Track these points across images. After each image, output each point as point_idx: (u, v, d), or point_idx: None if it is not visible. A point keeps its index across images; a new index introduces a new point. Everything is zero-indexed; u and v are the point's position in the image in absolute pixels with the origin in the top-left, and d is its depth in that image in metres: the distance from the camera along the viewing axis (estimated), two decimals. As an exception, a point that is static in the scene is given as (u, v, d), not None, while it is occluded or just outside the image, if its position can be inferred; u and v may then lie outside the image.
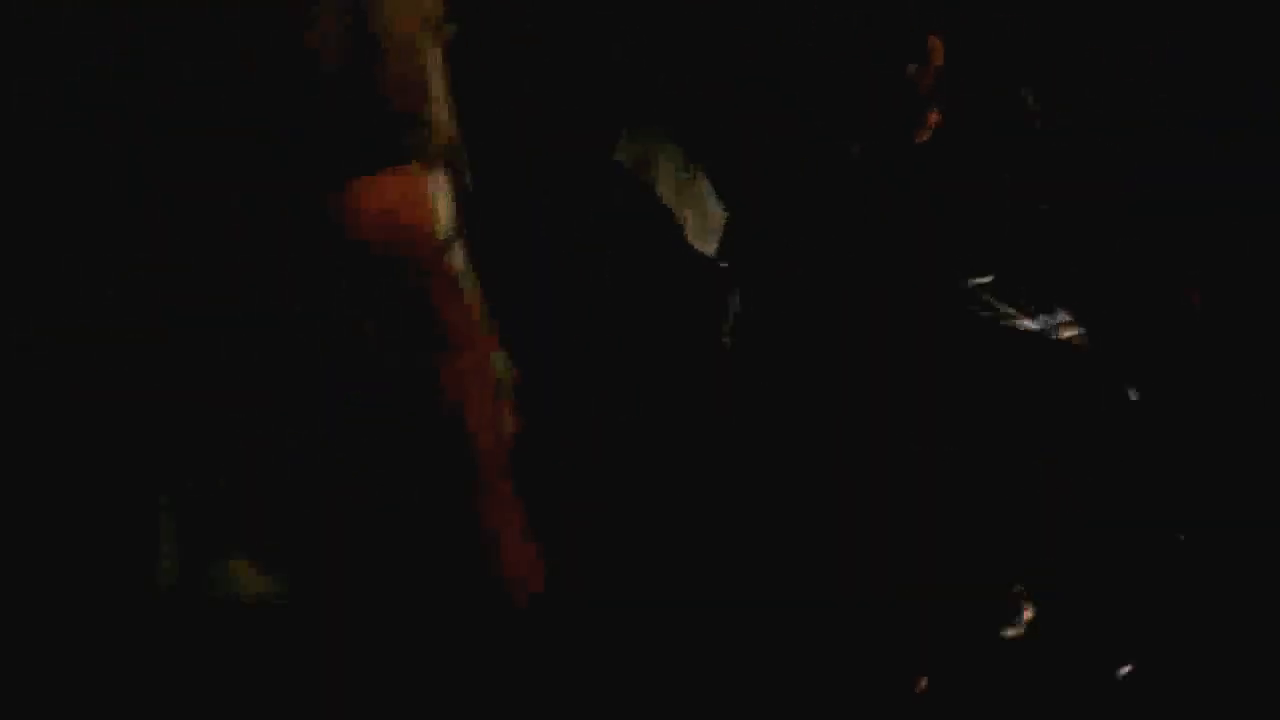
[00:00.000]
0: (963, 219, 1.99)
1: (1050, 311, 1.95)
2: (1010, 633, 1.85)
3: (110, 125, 1.06)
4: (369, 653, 1.11)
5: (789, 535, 1.80)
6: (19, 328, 1.09)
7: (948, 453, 1.86)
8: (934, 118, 1.93)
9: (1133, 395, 1.93)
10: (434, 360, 1.07)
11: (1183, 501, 1.97)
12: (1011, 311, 1.93)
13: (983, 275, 1.97)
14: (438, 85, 1.12)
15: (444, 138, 1.14)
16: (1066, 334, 1.93)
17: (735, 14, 1.91)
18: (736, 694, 1.71)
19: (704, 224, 1.86)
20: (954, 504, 1.85)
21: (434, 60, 1.11)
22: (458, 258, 1.16)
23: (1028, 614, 1.86)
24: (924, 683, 1.81)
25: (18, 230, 1.09)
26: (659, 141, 1.85)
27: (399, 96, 1.05)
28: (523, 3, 1.82)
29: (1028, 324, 1.93)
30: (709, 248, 1.86)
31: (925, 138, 1.94)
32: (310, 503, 1.08)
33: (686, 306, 1.83)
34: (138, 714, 1.10)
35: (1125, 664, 1.84)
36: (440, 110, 1.13)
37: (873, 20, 1.89)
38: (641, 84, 1.88)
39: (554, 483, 1.23)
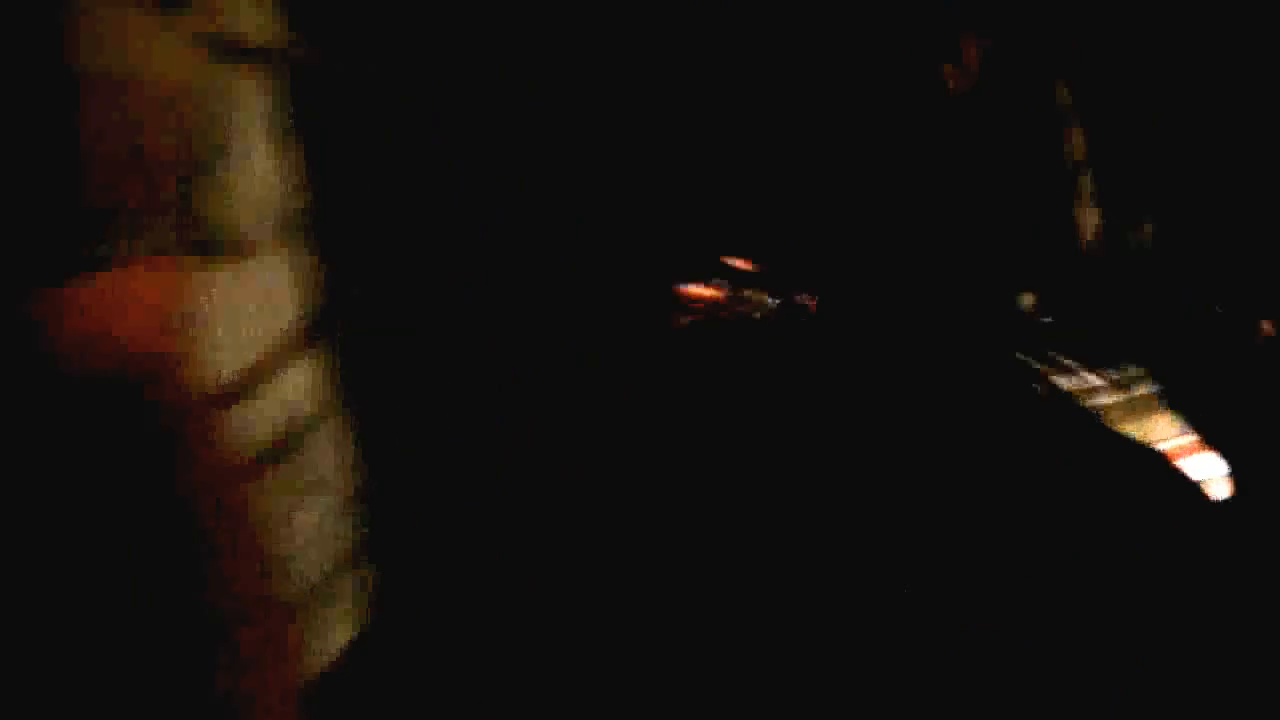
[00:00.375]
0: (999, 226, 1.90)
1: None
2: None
3: None
4: None
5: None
6: None
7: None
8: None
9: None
10: (181, 576, 0.70)
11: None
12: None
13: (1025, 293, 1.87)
14: (252, 136, 0.80)
15: (266, 214, 0.81)
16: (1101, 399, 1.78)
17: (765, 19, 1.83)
18: None
19: None
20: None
21: (239, 99, 0.78)
22: (289, 389, 0.84)
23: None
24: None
25: None
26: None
27: (123, 160, 0.68)
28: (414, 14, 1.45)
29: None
30: None
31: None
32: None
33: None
34: None
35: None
36: (262, 173, 0.80)
37: (908, 22, 1.86)
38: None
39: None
